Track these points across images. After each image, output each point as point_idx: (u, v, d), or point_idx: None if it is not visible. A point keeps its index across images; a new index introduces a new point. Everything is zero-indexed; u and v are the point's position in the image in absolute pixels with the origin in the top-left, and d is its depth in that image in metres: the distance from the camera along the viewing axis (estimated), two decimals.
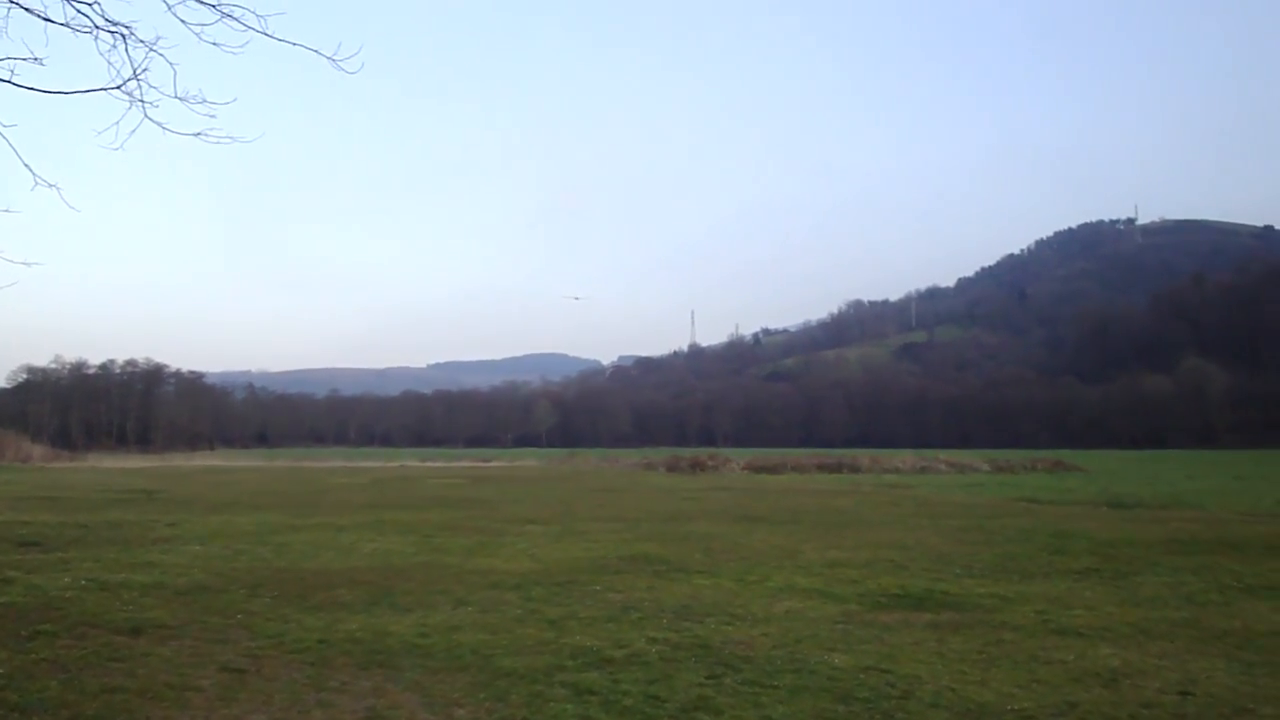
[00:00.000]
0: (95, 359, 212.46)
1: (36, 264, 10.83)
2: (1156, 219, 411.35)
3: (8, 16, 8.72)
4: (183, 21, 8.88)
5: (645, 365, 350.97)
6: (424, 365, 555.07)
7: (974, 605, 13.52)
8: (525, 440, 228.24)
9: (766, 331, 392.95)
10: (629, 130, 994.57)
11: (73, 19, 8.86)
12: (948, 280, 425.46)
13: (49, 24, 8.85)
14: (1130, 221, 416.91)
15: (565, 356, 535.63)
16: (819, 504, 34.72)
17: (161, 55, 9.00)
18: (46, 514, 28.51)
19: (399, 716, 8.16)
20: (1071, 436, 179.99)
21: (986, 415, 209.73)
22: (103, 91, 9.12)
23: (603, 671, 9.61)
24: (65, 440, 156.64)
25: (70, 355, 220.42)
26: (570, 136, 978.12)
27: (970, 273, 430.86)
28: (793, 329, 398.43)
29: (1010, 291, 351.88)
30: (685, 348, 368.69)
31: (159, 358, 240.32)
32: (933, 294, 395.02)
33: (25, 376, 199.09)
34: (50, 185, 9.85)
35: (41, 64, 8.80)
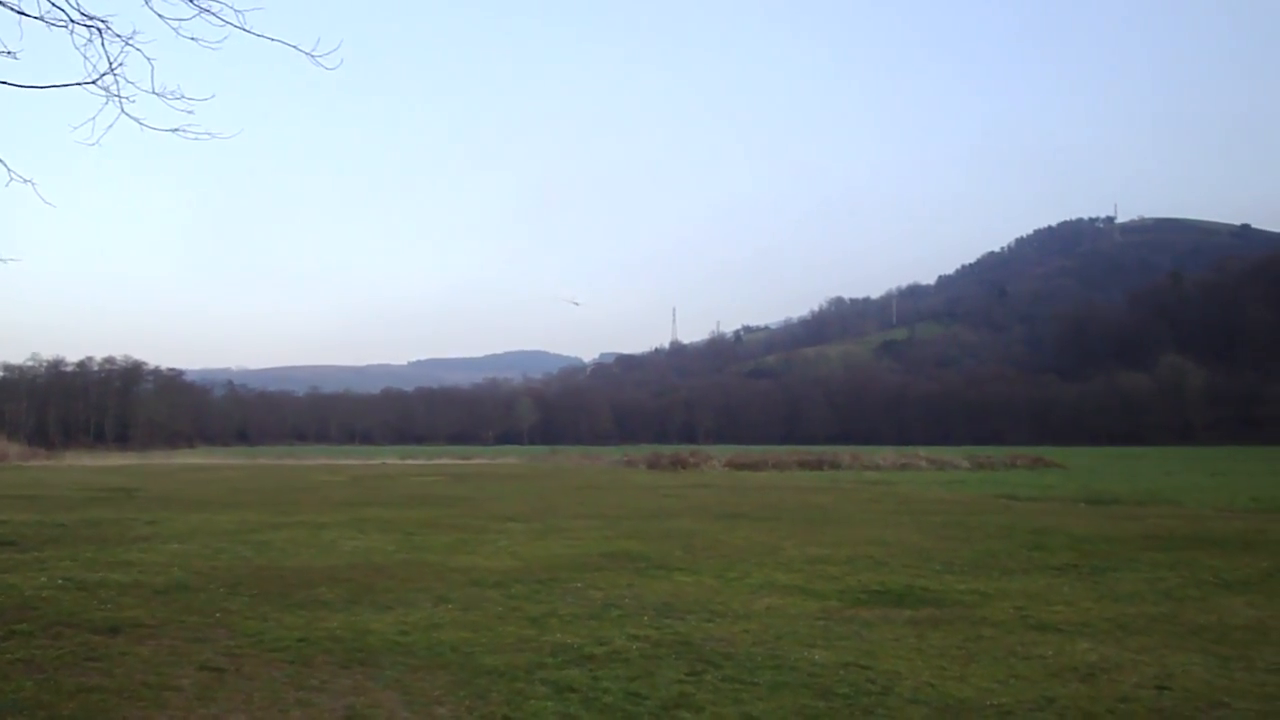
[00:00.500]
0: (73, 356, 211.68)
1: (12, 260, 10.76)
2: (1136, 217, 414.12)
3: None
4: (160, 16, 8.81)
5: (627, 363, 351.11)
6: (405, 362, 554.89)
7: (954, 601, 13.57)
8: (507, 438, 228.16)
9: (748, 329, 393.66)
10: (611, 128, 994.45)
11: (48, 12, 8.78)
12: (928, 278, 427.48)
13: (24, 17, 8.78)
14: (1110, 220, 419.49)
15: (547, 354, 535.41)
16: (800, 501, 34.80)
17: (139, 50, 8.93)
18: (23, 513, 28.35)
19: (379, 715, 8.12)
20: (1051, 433, 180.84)
21: (967, 412, 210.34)
22: (79, 86, 9.04)
23: (583, 669, 9.60)
24: (42, 438, 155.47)
25: (47, 353, 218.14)
26: (552, 134, 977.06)
27: (951, 270, 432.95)
28: (774, 326, 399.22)
29: (990, 289, 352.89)
30: (667, 345, 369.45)
31: (138, 355, 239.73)
32: (914, 291, 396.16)
33: (1, 374, 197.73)
34: (25, 180, 9.76)
35: (16, 58, 8.73)
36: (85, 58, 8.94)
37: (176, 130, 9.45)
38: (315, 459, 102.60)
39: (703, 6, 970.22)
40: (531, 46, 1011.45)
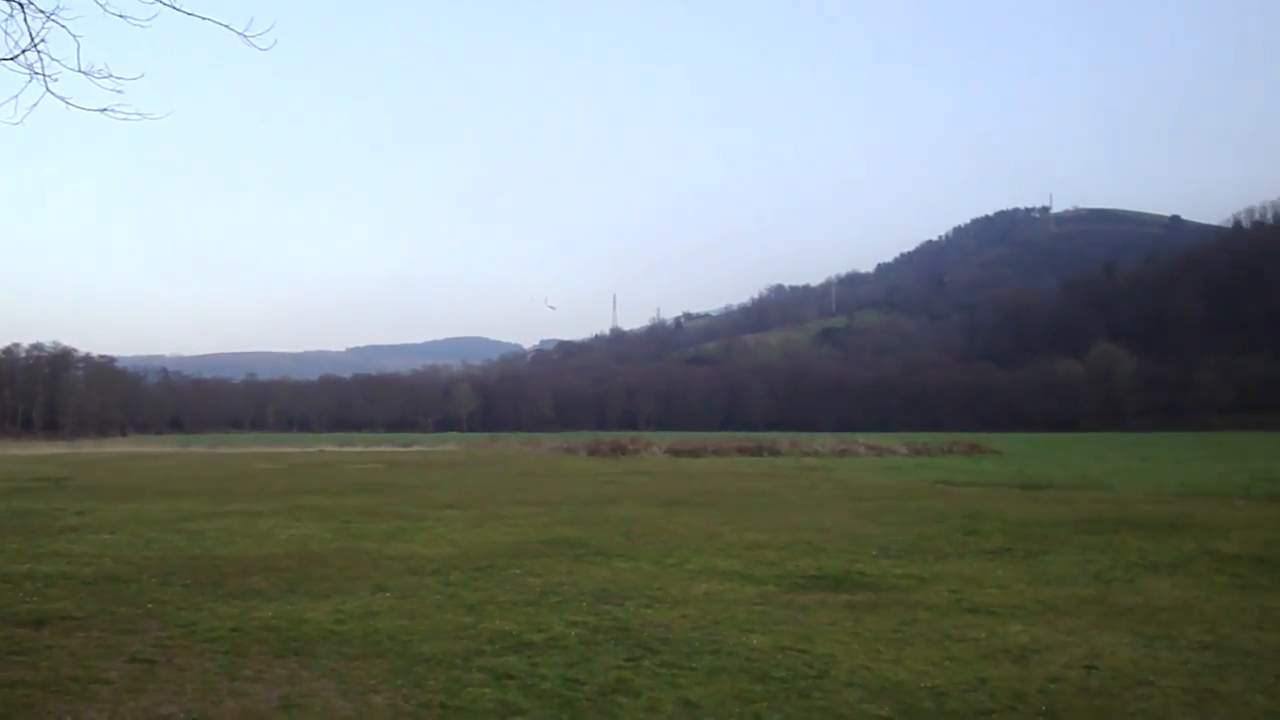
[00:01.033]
0: None
1: None
2: (1070, 208, 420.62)
3: None
4: None
5: (567, 349, 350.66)
6: (343, 349, 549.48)
7: (890, 585, 13.71)
8: (446, 425, 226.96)
9: (688, 316, 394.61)
10: (552, 115, 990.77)
11: None
12: (867, 266, 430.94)
13: None
14: (1045, 210, 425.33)
15: (486, 340, 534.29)
16: (739, 487, 34.96)
17: (63, 26, 8.68)
18: None
19: (314, 704, 8.04)
20: (987, 420, 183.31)
21: (905, 399, 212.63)
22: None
23: (521, 655, 9.58)
24: None
25: None
26: (494, 120, 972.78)
27: (890, 259, 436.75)
28: (714, 314, 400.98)
29: (928, 277, 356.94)
30: (607, 332, 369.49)
31: (67, 341, 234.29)
32: (853, 280, 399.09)
33: None
34: None
35: None
36: (5, 33, 8.69)
37: (105, 110, 9.21)
38: (251, 447, 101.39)
39: None
40: (474, 31, 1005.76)
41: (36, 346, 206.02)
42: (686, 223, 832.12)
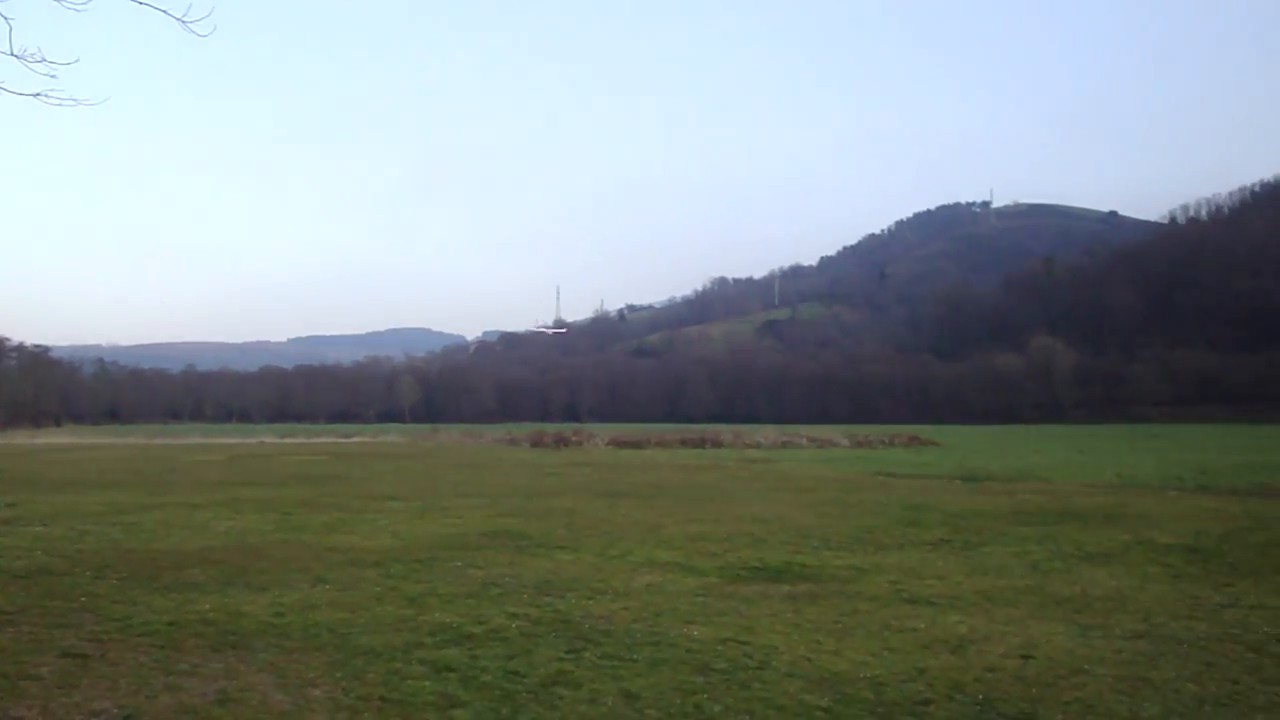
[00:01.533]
0: None
1: None
2: (1011, 203, 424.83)
3: None
4: None
5: (510, 340, 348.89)
6: (284, 340, 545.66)
7: (831, 577, 13.81)
8: (388, 416, 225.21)
9: (632, 308, 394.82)
10: (494, 104, 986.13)
11: None
12: (811, 259, 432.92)
13: None
14: (986, 204, 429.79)
15: (429, 331, 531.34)
16: (681, 479, 35.06)
17: None
18: None
19: (251, 698, 7.95)
20: (928, 412, 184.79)
21: (847, 391, 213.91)
22: None
23: (462, 648, 9.54)
24: None
25: None
26: (437, 108, 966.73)
27: (833, 252, 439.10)
28: (658, 305, 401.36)
29: (871, 270, 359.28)
30: (551, 323, 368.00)
31: None
32: (796, 272, 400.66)
33: None
34: None
35: None
36: None
37: (38, 95, 9.05)
38: (190, 438, 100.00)
39: None
40: (414, 18, 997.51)
41: None
42: (630, 214, 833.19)
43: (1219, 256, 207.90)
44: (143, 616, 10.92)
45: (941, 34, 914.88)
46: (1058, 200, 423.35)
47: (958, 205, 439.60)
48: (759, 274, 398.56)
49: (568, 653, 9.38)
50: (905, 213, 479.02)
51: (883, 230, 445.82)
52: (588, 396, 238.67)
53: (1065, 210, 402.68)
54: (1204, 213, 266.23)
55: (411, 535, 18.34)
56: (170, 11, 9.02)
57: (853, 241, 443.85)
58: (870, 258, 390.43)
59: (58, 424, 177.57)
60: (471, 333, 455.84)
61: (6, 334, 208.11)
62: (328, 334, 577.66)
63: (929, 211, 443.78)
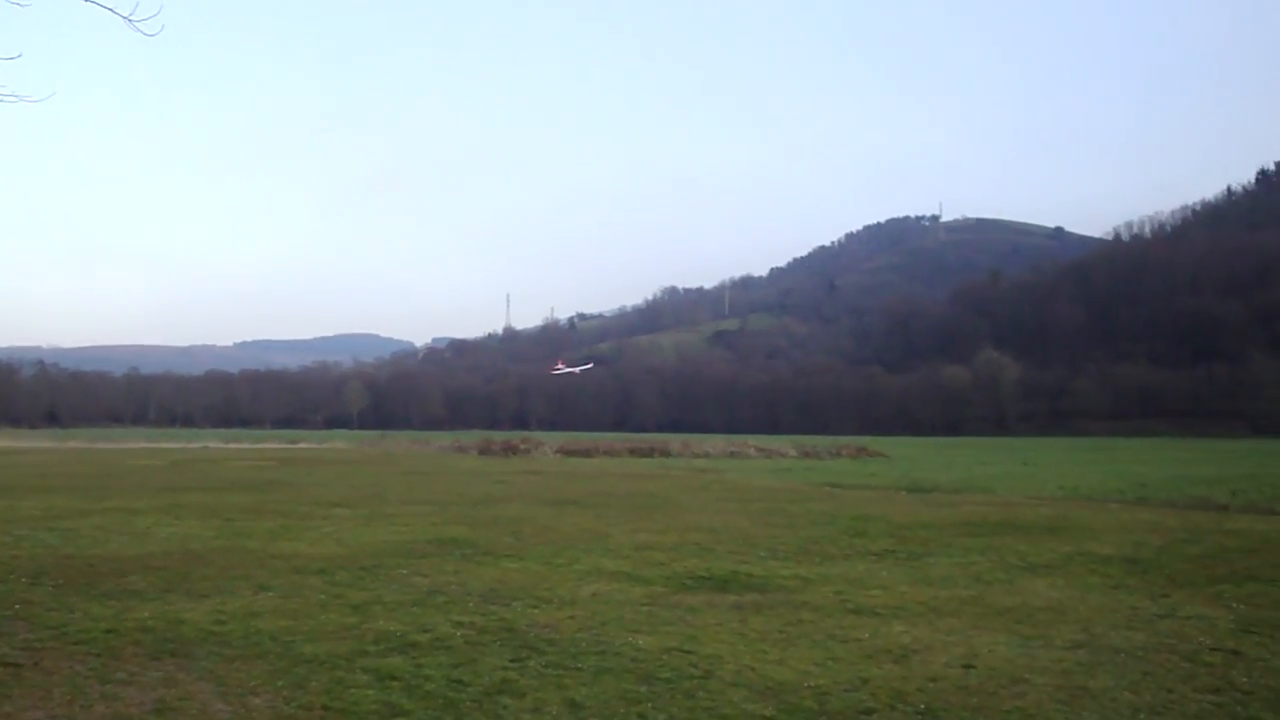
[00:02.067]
0: None
1: None
2: (959, 217, 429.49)
3: None
4: None
5: (459, 347, 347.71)
6: (230, 344, 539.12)
7: (776, 586, 13.86)
8: (336, 422, 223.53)
9: (582, 316, 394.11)
10: (446, 110, 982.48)
11: None
12: (761, 270, 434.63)
13: None
14: (935, 218, 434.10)
15: (378, 337, 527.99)
16: (629, 488, 35.05)
17: None
18: None
19: (190, 707, 7.86)
20: (876, 423, 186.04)
21: (795, 402, 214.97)
22: None
23: (406, 656, 9.49)
24: None
25: None
26: (388, 114, 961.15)
27: (783, 263, 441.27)
28: (608, 314, 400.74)
29: (820, 282, 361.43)
30: (500, 331, 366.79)
31: None
32: (746, 283, 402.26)
33: None
34: None
35: None
36: None
37: None
38: (132, 443, 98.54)
39: None
40: (367, 24, 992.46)
41: None
42: (581, 223, 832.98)
43: (1161, 273, 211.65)
44: (79, 624, 10.75)
45: (893, 49, 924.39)
46: (1005, 215, 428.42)
47: (907, 219, 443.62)
48: (709, 284, 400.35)
49: (512, 661, 9.35)
50: (855, 225, 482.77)
51: (832, 242, 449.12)
52: (537, 405, 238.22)
53: (1013, 225, 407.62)
54: (1147, 230, 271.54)
55: (357, 542, 18.20)
56: (117, 10, 8.94)
57: (803, 253, 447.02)
58: (820, 269, 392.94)
59: None
60: (421, 339, 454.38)
61: None
62: (275, 339, 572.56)
63: (879, 224, 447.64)
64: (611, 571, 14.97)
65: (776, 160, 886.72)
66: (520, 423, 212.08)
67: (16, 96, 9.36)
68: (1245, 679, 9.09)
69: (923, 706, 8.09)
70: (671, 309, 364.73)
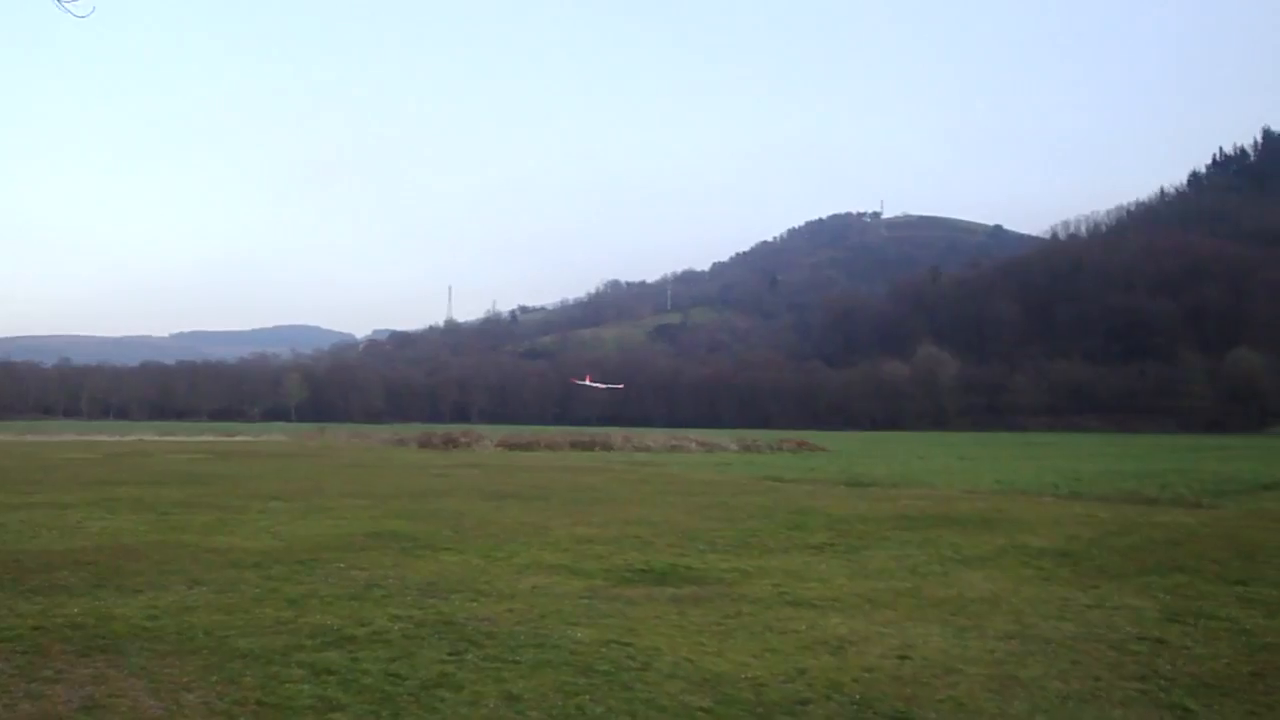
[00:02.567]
0: None
1: None
2: (900, 214, 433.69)
3: None
4: None
5: (400, 340, 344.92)
6: (166, 335, 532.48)
7: (715, 579, 13.92)
8: (274, 414, 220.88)
9: (524, 309, 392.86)
10: (387, 100, 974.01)
11: None
12: (703, 264, 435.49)
13: None
14: (876, 215, 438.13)
15: (318, 329, 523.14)
16: (570, 481, 35.01)
17: None
18: None
19: (121, 705, 7.75)
20: (816, 418, 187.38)
21: (737, 396, 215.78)
22: None
23: (343, 650, 9.42)
24: None
25: None
26: (329, 102, 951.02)
27: (725, 257, 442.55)
28: (550, 307, 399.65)
29: (762, 277, 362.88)
30: (441, 323, 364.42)
31: None
32: (688, 277, 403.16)
33: None
34: None
35: None
36: None
37: None
38: (63, 435, 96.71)
39: None
40: (307, 14, 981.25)
41: None
42: (525, 215, 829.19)
43: (1096, 272, 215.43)
44: (5, 621, 10.56)
45: (836, 46, 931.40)
46: (946, 213, 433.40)
47: (849, 215, 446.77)
48: (652, 278, 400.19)
49: (450, 655, 9.33)
50: (797, 221, 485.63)
51: (775, 238, 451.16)
52: (478, 397, 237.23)
53: (953, 223, 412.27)
54: (1083, 229, 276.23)
55: (294, 536, 18.02)
56: None
57: (745, 248, 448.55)
58: (762, 264, 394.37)
59: None
60: (361, 331, 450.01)
61: None
62: (212, 330, 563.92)
63: (820, 220, 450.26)
64: (551, 565, 14.96)
65: (720, 155, 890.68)
66: (461, 416, 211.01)
67: None
68: (1169, 666, 9.32)
69: (858, 697, 8.19)
70: (614, 302, 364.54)
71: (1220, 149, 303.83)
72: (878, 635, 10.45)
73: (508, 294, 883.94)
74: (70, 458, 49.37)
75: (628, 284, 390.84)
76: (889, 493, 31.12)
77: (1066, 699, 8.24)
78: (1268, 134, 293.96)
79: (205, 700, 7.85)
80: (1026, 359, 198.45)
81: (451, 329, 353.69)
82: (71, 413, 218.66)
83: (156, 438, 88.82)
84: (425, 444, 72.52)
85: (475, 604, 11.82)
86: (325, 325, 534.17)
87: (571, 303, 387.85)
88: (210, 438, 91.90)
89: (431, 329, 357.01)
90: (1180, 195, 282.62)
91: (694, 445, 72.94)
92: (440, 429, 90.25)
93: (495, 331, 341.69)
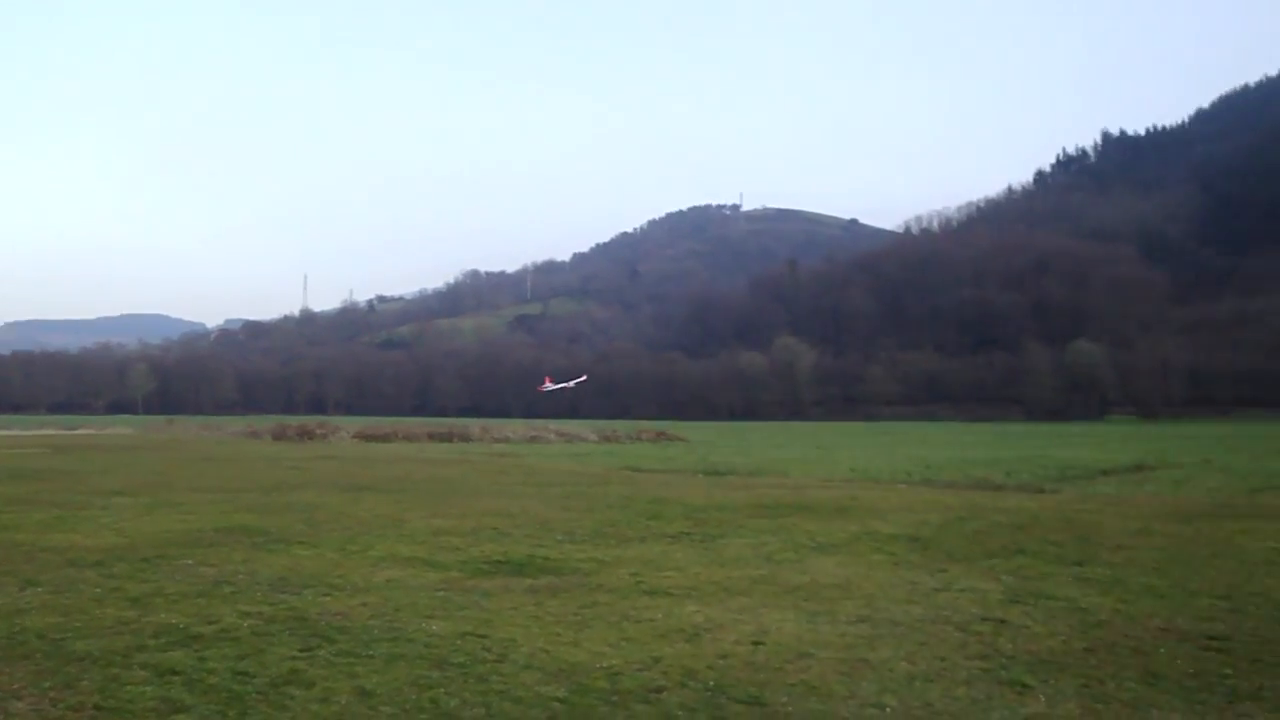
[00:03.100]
0: None
1: None
2: (760, 207, 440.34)
3: None
4: None
5: (254, 329, 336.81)
6: (0, 324, 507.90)
7: (572, 570, 13.91)
8: (119, 407, 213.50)
9: (382, 299, 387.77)
10: (242, 86, 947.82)
11: None
12: (564, 254, 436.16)
13: None
14: (736, 208, 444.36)
15: (167, 318, 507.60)
16: (428, 473, 34.65)
17: None
18: None
19: None
20: (676, 408, 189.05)
21: (596, 387, 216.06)
22: None
23: (188, 650, 9.14)
24: None
25: None
26: (181, 86, 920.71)
27: (586, 248, 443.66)
28: (409, 297, 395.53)
29: (623, 268, 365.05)
30: (297, 312, 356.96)
31: None
32: (549, 267, 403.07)
33: None
34: None
35: None
36: None
37: None
38: None
39: None
40: None
41: None
42: (384, 203, 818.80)
43: (947, 266, 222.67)
44: None
45: (699, 40, 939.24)
46: (804, 206, 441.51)
47: (709, 207, 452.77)
48: (512, 268, 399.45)
49: (302, 651, 9.13)
50: (658, 212, 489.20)
51: (636, 229, 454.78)
52: (334, 388, 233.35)
53: (810, 216, 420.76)
54: (935, 225, 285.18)
55: (138, 532, 17.40)
56: None
57: (606, 239, 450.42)
58: (622, 255, 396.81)
59: None
60: (213, 320, 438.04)
61: None
62: (52, 319, 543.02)
63: (681, 212, 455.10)
64: (407, 557, 14.76)
65: (583, 145, 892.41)
66: (317, 407, 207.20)
67: None
68: (1010, 645, 9.65)
69: (712, 683, 8.27)
70: (473, 292, 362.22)
71: (1064, 149, 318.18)
72: (733, 622, 10.57)
73: (365, 283, 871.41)
74: None
75: (487, 274, 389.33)
76: (746, 482, 31.57)
77: (913, 679, 8.47)
78: (1107, 136, 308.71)
79: (37, 707, 7.51)
80: (881, 350, 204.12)
81: (307, 319, 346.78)
82: None
83: None
84: (279, 436, 70.92)
85: (328, 598, 11.60)
86: (175, 314, 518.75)
87: (430, 293, 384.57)
88: (50, 431, 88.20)
89: (287, 319, 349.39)
90: (1026, 193, 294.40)
91: (553, 436, 72.96)
92: (295, 421, 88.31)
93: (352, 321, 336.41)
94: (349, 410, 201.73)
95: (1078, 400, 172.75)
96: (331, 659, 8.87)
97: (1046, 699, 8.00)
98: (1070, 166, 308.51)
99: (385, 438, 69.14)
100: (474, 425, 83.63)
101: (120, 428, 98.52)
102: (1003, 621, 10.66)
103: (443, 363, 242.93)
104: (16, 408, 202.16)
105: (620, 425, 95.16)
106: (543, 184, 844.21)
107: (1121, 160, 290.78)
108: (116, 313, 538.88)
